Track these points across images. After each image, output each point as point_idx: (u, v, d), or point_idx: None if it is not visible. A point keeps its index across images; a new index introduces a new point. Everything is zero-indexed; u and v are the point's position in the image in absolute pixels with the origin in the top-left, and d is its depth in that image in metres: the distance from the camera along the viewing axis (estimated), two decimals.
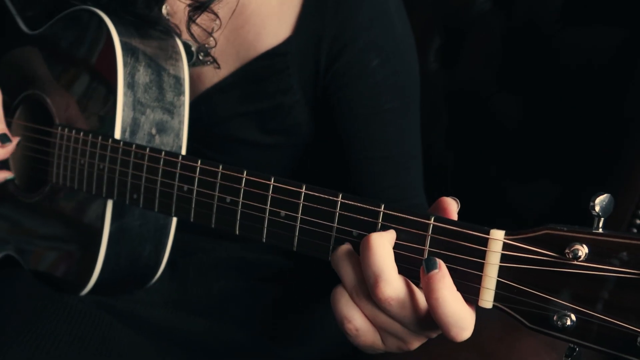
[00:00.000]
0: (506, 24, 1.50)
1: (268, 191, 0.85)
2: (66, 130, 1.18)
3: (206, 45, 1.21)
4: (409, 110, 1.25)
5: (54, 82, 1.25)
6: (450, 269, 0.71)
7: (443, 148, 1.59)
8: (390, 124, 1.22)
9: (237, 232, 0.89)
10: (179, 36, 1.22)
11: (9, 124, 1.32)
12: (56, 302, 1.15)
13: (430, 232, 0.72)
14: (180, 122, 1.17)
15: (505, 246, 0.67)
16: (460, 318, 0.70)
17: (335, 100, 1.21)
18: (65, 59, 1.25)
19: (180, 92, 1.18)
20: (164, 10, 1.21)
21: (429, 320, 0.73)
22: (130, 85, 1.13)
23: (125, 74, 1.12)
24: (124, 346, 1.13)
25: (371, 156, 1.22)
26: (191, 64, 1.24)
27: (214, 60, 1.21)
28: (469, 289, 0.70)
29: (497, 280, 0.68)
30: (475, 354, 1.10)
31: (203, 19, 1.16)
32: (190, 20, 1.15)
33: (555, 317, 0.64)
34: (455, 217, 0.75)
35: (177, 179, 0.97)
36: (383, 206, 0.76)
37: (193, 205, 0.95)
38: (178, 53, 1.20)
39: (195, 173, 0.94)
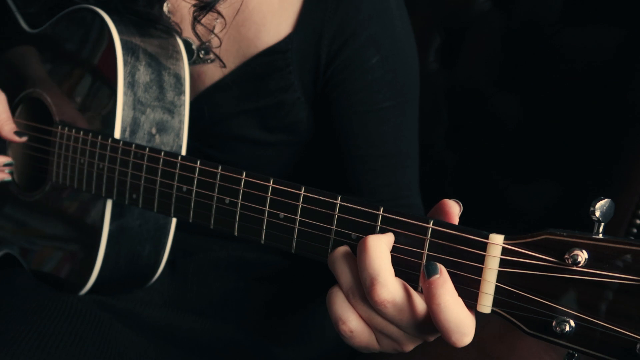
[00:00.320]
0: (506, 24, 1.50)
1: (267, 193, 0.85)
2: (66, 129, 1.17)
3: (207, 44, 1.21)
4: (407, 108, 1.25)
5: (54, 81, 1.25)
6: (448, 273, 0.70)
7: (443, 148, 1.59)
8: (387, 121, 1.22)
9: (236, 233, 0.89)
10: (180, 35, 1.22)
11: None
12: (56, 301, 1.15)
13: (429, 236, 0.72)
14: (181, 122, 1.17)
15: (505, 251, 0.67)
16: (462, 324, 0.69)
17: (333, 96, 1.21)
18: (65, 58, 1.25)
19: (181, 92, 1.18)
20: (165, 8, 1.21)
21: (427, 324, 0.72)
22: (131, 84, 1.12)
23: (126, 73, 1.12)
24: (123, 345, 1.13)
25: (367, 154, 1.22)
26: (192, 62, 1.24)
27: (218, 59, 1.21)
28: (468, 294, 0.70)
29: (496, 285, 0.68)
30: (475, 354, 1.11)
31: (205, 17, 1.16)
32: (195, 20, 1.15)
33: (554, 323, 0.64)
34: (456, 220, 0.75)
35: (176, 180, 0.97)
36: (382, 209, 0.76)
37: (192, 206, 0.95)
38: (179, 52, 1.20)
39: (194, 174, 0.94)
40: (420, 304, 0.73)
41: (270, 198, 0.84)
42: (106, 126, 1.12)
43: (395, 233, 0.75)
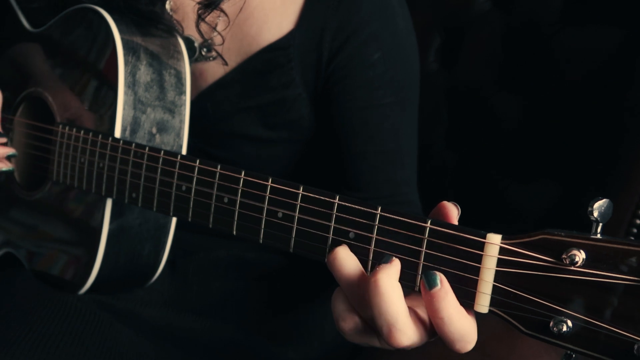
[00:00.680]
0: (506, 24, 1.50)
1: (265, 192, 0.85)
2: (67, 128, 1.18)
3: (209, 41, 1.21)
4: (407, 106, 1.25)
5: (55, 80, 1.25)
6: (446, 273, 0.70)
7: (443, 148, 1.59)
8: (387, 118, 1.22)
9: (235, 232, 0.89)
10: (181, 34, 1.22)
11: (10, 122, 1.33)
12: (56, 301, 1.15)
13: (426, 235, 0.72)
14: (181, 122, 1.17)
15: (502, 250, 0.67)
16: (465, 333, 0.69)
17: (334, 92, 1.21)
18: (67, 58, 1.25)
19: (182, 91, 1.18)
20: (167, 6, 1.21)
21: (429, 332, 0.73)
22: (131, 84, 1.13)
23: (126, 73, 1.12)
24: (123, 345, 1.13)
25: (366, 150, 1.22)
26: (194, 60, 1.24)
27: (221, 57, 1.21)
28: (465, 293, 0.69)
29: (493, 285, 0.67)
30: (475, 354, 1.10)
31: (209, 15, 1.17)
32: (200, 18, 1.15)
33: (551, 323, 0.63)
34: (455, 223, 0.74)
35: (175, 178, 0.97)
36: (380, 208, 0.75)
37: (191, 205, 0.95)
38: (180, 52, 1.20)
39: (193, 173, 0.94)
40: (423, 316, 0.73)
41: (269, 197, 0.84)
42: (107, 125, 1.13)
43: (392, 232, 0.75)
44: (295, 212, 0.82)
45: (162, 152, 1.00)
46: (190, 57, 1.21)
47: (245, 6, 1.20)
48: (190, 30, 1.23)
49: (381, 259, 0.74)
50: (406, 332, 0.70)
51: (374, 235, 0.76)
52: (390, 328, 0.70)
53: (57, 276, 1.22)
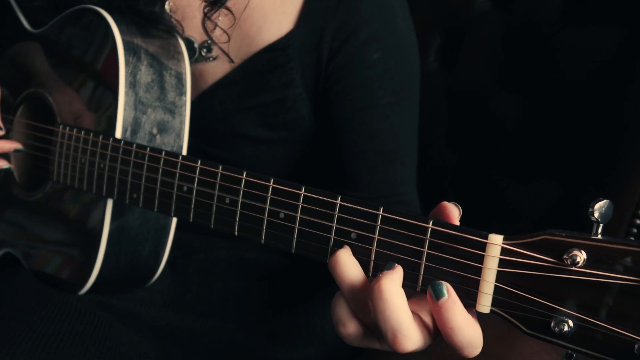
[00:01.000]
0: (506, 24, 1.50)
1: (267, 192, 0.85)
2: (67, 128, 1.18)
3: (210, 41, 1.21)
4: (407, 106, 1.25)
5: (56, 81, 1.25)
6: (448, 273, 0.71)
7: (443, 148, 1.59)
8: (386, 118, 1.22)
9: (236, 233, 0.89)
10: (181, 35, 1.22)
11: (10, 122, 1.33)
12: (56, 301, 1.15)
13: (428, 236, 0.72)
14: (182, 122, 1.18)
15: (504, 251, 0.67)
16: (474, 340, 0.70)
17: (334, 92, 1.21)
18: (67, 58, 1.25)
19: (182, 92, 1.18)
20: (166, 7, 1.21)
21: (433, 335, 0.73)
22: (132, 84, 1.13)
23: (127, 74, 1.12)
24: (123, 345, 1.13)
25: (366, 149, 1.22)
26: (193, 61, 1.24)
27: (225, 54, 1.21)
28: (467, 294, 0.70)
29: (495, 285, 0.68)
30: None
31: (210, 14, 1.17)
32: (206, 16, 1.16)
33: (552, 323, 0.64)
34: (456, 223, 0.74)
35: (177, 179, 0.97)
36: (382, 209, 0.75)
37: (192, 206, 0.95)
38: (180, 52, 1.20)
39: (195, 173, 0.94)
40: (429, 323, 0.73)
41: (271, 198, 0.84)
42: (107, 126, 1.13)
43: (394, 233, 0.75)
44: (297, 212, 0.82)
45: (164, 152, 1.00)
46: (190, 57, 1.22)
47: (245, 7, 1.20)
48: (190, 31, 1.24)
49: (383, 266, 0.73)
50: (411, 337, 0.70)
51: (376, 236, 0.76)
52: (395, 333, 0.70)
53: (57, 276, 1.22)
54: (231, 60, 1.22)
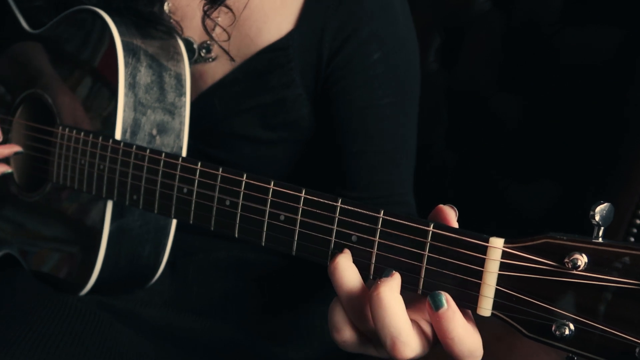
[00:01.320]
0: (506, 24, 1.50)
1: (267, 195, 0.85)
2: (67, 130, 1.18)
3: (210, 41, 1.21)
4: (407, 106, 1.25)
5: (55, 82, 1.25)
6: (448, 276, 0.71)
7: (443, 148, 1.59)
8: (386, 118, 1.22)
9: (237, 235, 0.89)
10: (181, 35, 1.22)
11: (10, 123, 1.33)
12: (56, 301, 1.15)
13: (429, 239, 0.72)
14: (181, 123, 1.17)
15: (505, 254, 0.67)
16: (474, 349, 0.70)
17: (334, 92, 1.21)
18: (67, 59, 1.25)
19: (182, 93, 1.18)
20: (165, 7, 1.21)
21: (432, 342, 0.73)
22: (132, 85, 1.13)
23: (127, 75, 1.12)
24: (123, 345, 1.13)
25: (365, 149, 1.22)
26: (193, 62, 1.24)
27: (226, 52, 1.21)
28: (468, 297, 0.70)
29: (496, 289, 0.68)
30: None
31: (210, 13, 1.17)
32: (205, 14, 1.15)
33: (553, 327, 0.64)
34: (455, 225, 0.74)
35: (177, 181, 0.97)
36: (382, 212, 0.75)
37: (192, 208, 0.95)
38: (179, 53, 1.20)
39: (195, 175, 0.94)
40: (428, 330, 0.73)
41: (271, 200, 0.84)
42: (107, 127, 1.13)
43: (395, 236, 0.75)
44: (297, 215, 0.82)
45: (164, 154, 1.00)
46: (189, 58, 1.21)
47: (245, 6, 1.20)
48: (189, 32, 1.24)
49: (382, 273, 0.73)
50: (410, 344, 0.70)
51: (377, 239, 0.76)
52: (394, 341, 0.70)
53: (57, 277, 1.22)
54: (232, 58, 1.22)
